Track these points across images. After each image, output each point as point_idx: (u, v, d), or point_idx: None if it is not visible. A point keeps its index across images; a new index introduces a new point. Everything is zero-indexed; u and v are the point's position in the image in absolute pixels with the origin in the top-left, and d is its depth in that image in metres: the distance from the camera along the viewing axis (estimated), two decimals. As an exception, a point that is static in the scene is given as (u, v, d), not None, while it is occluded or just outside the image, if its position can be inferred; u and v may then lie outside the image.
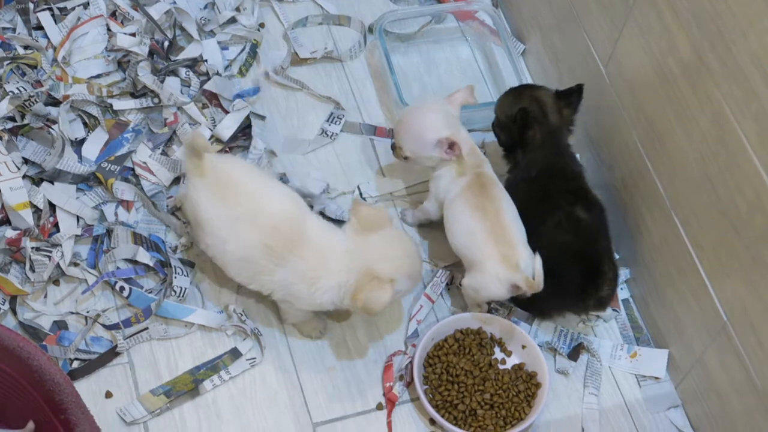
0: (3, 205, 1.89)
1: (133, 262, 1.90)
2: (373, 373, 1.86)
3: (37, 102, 1.99)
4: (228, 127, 2.06)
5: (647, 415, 1.86)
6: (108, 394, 1.78)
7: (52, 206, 1.92)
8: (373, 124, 2.17)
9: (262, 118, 2.13)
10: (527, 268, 1.76)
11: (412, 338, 1.88)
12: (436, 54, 2.32)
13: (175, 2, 2.25)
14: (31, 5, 2.18)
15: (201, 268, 1.93)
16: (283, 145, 2.11)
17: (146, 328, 1.83)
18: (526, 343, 1.86)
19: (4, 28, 2.17)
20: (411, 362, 1.83)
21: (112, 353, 1.81)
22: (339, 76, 2.24)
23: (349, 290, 1.70)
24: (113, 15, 2.23)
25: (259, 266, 1.73)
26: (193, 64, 2.15)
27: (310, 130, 2.15)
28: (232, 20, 2.26)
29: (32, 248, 1.85)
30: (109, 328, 1.83)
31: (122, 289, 1.86)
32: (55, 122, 2.00)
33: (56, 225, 1.92)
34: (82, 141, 2.03)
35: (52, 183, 1.95)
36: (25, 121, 1.99)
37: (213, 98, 2.12)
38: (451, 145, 1.83)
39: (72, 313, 1.85)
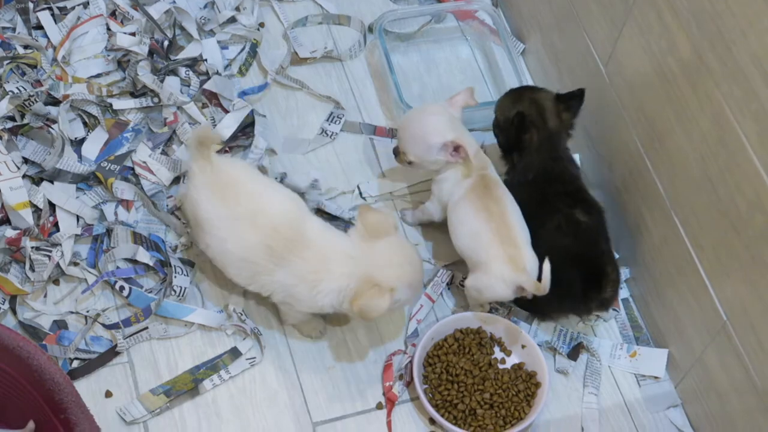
0: (3, 205, 1.89)
1: (132, 261, 1.90)
2: (372, 372, 1.86)
3: (36, 101, 1.99)
4: (228, 126, 2.06)
5: (647, 414, 1.87)
6: (108, 394, 1.78)
7: (52, 206, 1.92)
8: (373, 123, 2.17)
9: (263, 117, 2.13)
10: (533, 271, 1.75)
11: (411, 338, 1.88)
12: (436, 53, 2.32)
13: (174, 2, 2.25)
14: (30, 5, 2.18)
15: (201, 268, 1.93)
16: (283, 144, 2.11)
17: (146, 328, 1.84)
18: (525, 343, 1.86)
19: (3, 28, 2.17)
20: (411, 362, 1.83)
21: (112, 353, 1.81)
22: (339, 76, 2.24)
23: (349, 295, 1.70)
24: (113, 14, 2.23)
25: (259, 266, 1.73)
26: (193, 63, 2.15)
27: (310, 130, 2.15)
28: (232, 20, 2.26)
29: (32, 248, 1.86)
30: (108, 327, 1.83)
31: (122, 288, 1.86)
32: (54, 122, 2.00)
33: (56, 224, 1.92)
34: (82, 140, 2.03)
35: (51, 182, 1.95)
36: (25, 121, 1.99)
37: (213, 98, 2.12)
38: (457, 148, 1.83)
39: (72, 312, 1.85)
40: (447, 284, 1.95)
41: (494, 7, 2.32)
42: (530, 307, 1.90)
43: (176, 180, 2.01)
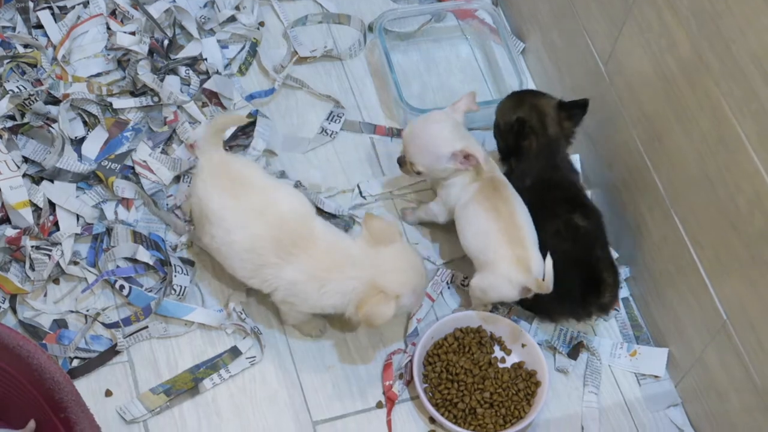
0: (3, 204, 1.89)
1: (132, 260, 1.90)
2: (372, 371, 1.86)
3: (37, 101, 1.99)
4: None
5: (647, 413, 1.87)
6: (108, 393, 1.78)
7: (52, 205, 1.92)
8: (372, 122, 2.17)
9: (266, 118, 2.13)
10: (538, 271, 1.75)
11: (411, 337, 1.88)
12: (436, 52, 2.32)
13: (174, 1, 2.25)
14: (30, 4, 2.18)
15: (201, 267, 1.93)
16: (283, 143, 2.11)
17: (146, 327, 1.84)
18: (525, 342, 1.86)
19: (3, 27, 2.17)
20: (411, 361, 1.83)
21: (112, 352, 1.81)
22: (339, 75, 2.24)
23: (354, 298, 1.70)
24: (113, 14, 2.23)
25: (264, 259, 1.72)
26: (193, 62, 2.15)
27: (310, 129, 2.15)
28: (232, 19, 2.26)
29: (32, 247, 1.86)
30: (108, 326, 1.83)
31: (122, 287, 1.86)
32: (55, 121, 2.00)
33: (56, 223, 1.92)
34: (82, 140, 2.03)
35: (52, 181, 1.95)
36: (25, 120, 1.99)
37: (213, 97, 2.12)
38: (467, 156, 1.81)
39: (72, 311, 1.85)
40: (447, 283, 1.95)
41: (494, 6, 2.32)
42: (532, 307, 1.90)
43: (176, 179, 2.01)
